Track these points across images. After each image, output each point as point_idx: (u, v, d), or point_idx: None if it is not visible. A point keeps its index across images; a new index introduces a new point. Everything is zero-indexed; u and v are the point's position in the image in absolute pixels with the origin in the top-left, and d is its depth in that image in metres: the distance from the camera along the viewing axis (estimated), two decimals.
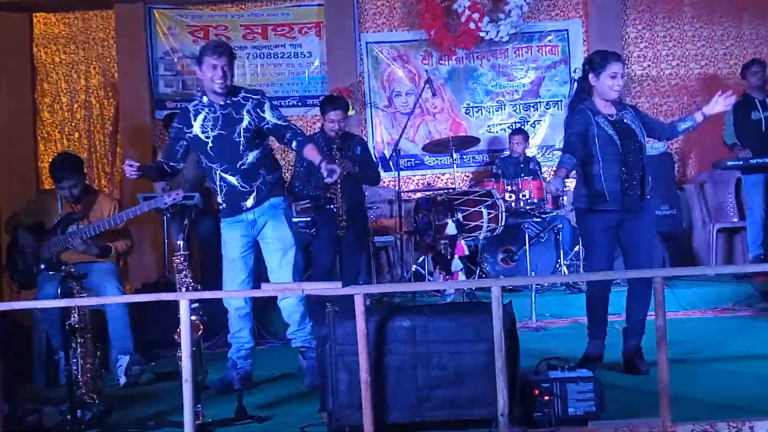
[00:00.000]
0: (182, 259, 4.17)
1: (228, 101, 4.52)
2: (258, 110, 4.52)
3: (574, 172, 4.71)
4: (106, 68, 8.89)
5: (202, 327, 4.11)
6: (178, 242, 4.24)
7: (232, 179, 4.53)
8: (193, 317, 3.92)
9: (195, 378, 3.44)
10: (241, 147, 4.50)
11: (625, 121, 4.62)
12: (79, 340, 4.27)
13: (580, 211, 4.79)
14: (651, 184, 4.68)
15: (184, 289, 4.09)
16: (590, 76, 4.64)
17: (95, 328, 4.51)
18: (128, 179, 8.25)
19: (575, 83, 8.17)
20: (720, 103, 4.78)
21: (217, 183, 4.57)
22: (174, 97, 8.73)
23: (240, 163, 4.52)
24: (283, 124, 4.60)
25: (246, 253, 4.65)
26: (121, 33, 8.65)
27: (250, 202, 4.56)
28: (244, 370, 4.68)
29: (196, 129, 4.52)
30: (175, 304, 3.45)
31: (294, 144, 4.57)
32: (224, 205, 4.63)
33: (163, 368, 5.33)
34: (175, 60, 8.74)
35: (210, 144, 4.50)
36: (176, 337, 3.61)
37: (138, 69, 8.60)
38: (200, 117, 4.53)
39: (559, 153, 8.09)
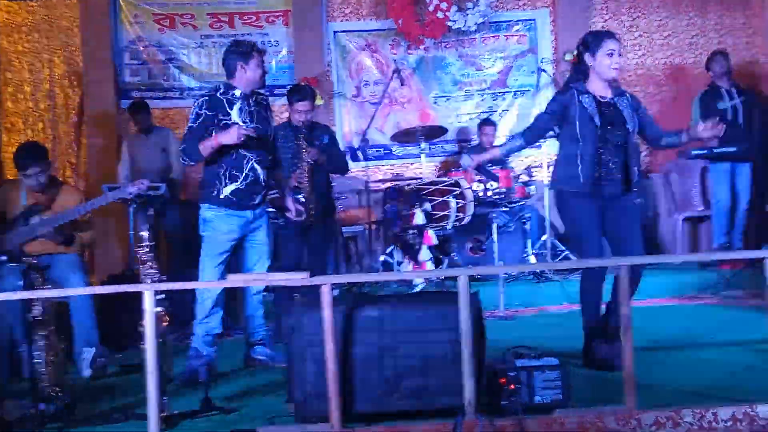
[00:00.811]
0: (147, 250, 4.12)
1: (255, 99, 4.75)
2: (269, 113, 4.90)
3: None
4: (70, 57, 8.75)
5: (167, 318, 4.08)
6: (143, 233, 4.20)
7: (261, 172, 4.70)
8: (158, 308, 3.88)
9: (160, 370, 3.40)
10: (270, 144, 4.84)
11: (617, 106, 4.48)
12: (42, 333, 4.20)
13: (558, 192, 4.72)
14: (637, 175, 4.57)
15: (148, 281, 4.04)
16: (586, 56, 4.49)
17: (59, 321, 4.44)
18: (93, 169, 8.29)
19: (542, 72, 8.27)
20: (708, 131, 4.51)
21: (244, 171, 4.63)
22: (139, 86, 8.62)
23: (270, 158, 4.80)
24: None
25: (232, 247, 4.73)
26: (85, 21, 8.50)
27: (259, 198, 4.75)
28: (209, 357, 4.66)
29: (235, 117, 4.59)
30: (140, 296, 3.40)
31: None
32: (233, 197, 4.63)
33: (128, 361, 5.27)
34: (141, 49, 8.62)
35: (250, 135, 4.55)
36: (141, 328, 3.57)
37: (103, 58, 8.46)
38: (236, 107, 4.62)
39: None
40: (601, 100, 4.48)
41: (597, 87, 4.50)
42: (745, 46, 8.89)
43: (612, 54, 4.45)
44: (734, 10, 8.96)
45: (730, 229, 7.44)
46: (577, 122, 4.43)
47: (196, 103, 4.65)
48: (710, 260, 7.16)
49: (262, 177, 4.71)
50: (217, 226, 4.65)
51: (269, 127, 4.87)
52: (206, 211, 4.69)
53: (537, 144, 8.56)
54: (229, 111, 4.59)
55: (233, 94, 4.63)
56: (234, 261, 4.82)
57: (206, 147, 4.50)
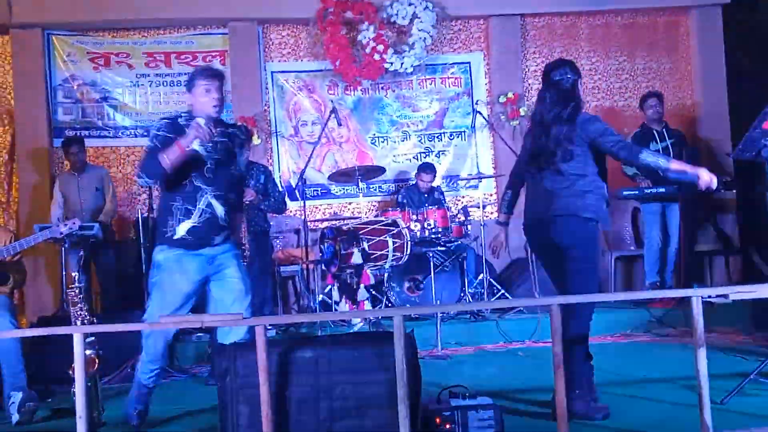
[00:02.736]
0: (78, 291, 4.05)
1: (222, 130, 4.36)
2: (239, 149, 4.46)
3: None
4: (1, 95, 8.60)
5: (97, 361, 4.00)
6: (74, 274, 4.13)
7: (219, 209, 4.23)
8: (89, 351, 3.81)
9: (90, 414, 3.33)
10: (234, 181, 4.40)
11: None
12: None
13: (592, 222, 4.29)
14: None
15: (79, 323, 3.97)
16: (578, 85, 4.36)
17: None
18: (25, 208, 8.12)
19: (477, 114, 8.39)
20: (705, 178, 4.12)
21: (199, 207, 4.18)
22: (73, 124, 8.49)
23: (230, 195, 4.35)
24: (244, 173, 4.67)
25: (195, 290, 4.24)
26: (17, 59, 8.38)
27: (220, 239, 4.27)
28: (147, 396, 4.41)
29: (195, 145, 4.13)
30: (71, 338, 3.33)
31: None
32: (188, 236, 4.17)
33: (58, 405, 5.13)
34: (75, 87, 8.52)
35: (209, 165, 4.22)
36: (71, 372, 3.49)
37: (35, 96, 8.33)
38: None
39: (463, 182, 8.24)
40: None
41: None
42: (672, 89, 9.18)
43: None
44: (662, 55, 9.27)
45: (662, 268, 7.60)
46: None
47: (155, 126, 4.30)
48: (642, 299, 7.29)
49: (220, 215, 4.24)
50: (174, 266, 4.19)
51: (235, 162, 4.39)
52: (157, 254, 4.25)
53: (474, 184, 8.72)
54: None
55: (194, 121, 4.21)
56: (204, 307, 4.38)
57: (170, 152, 4.04)
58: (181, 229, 4.17)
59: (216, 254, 4.26)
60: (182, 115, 4.33)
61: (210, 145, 4.20)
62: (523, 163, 4.52)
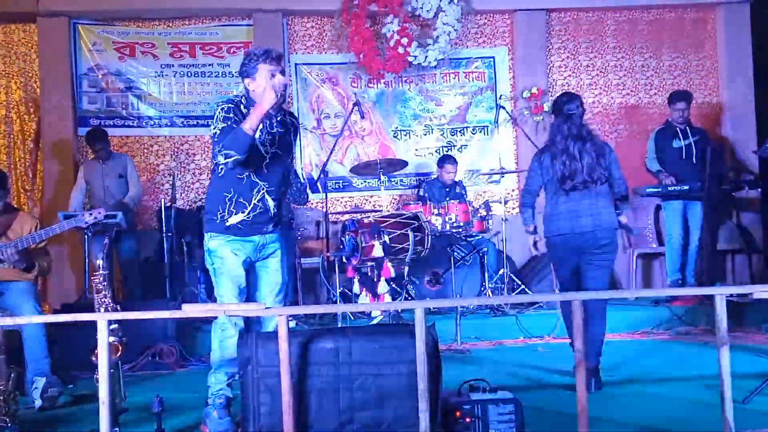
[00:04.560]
0: (102, 278, 4.08)
1: (280, 119, 4.15)
2: (295, 137, 4.28)
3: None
4: (27, 83, 8.68)
5: (120, 348, 4.03)
6: (98, 262, 4.16)
7: (271, 203, 4.12)
8: (112, 338, 3.84)
9: (112, 400, 3.36)
10: (288, 173, 4.24)
11: None
12: None
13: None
14: None
15: (102, 310, 4.00)
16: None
17: (10, 349, 4.37)
18: (49, 196, 8.19)
19: (501, 109, 8.36)
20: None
21: (253, 201, 4.07)
22: (98, 114, 8.55)
23: (283, 189, 4.24)
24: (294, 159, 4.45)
25: (245, 272, 4.17)
26: (43, 48, 8.46)
27: (270, 227, 4.17)
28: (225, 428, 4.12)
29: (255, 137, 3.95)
30: (94, 325, 3.36)
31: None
32: (240, 225, 4.08)
33: (80, 391, 5.19)
34: (100, 77, 8.57)
35: (267, 160, 4.07)
36: (94, 358, 3.52)
37: (61, 85, 8.41)
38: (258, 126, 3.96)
39: (485, 176, 8.28)
40: None
41: None
42: (697, 86, 9.11)
43: None
44: (687, 52, 9.20)
45: (684, 265, 7.55)
46: None
47: (220, 107, 4.02)
48: (663, 296, 7.26)
49: (272, 209, 4.13)
50: (225, 256, 4.11)
51: (291, 154, 4.25)
52: (210, 241, 4.16)
53: (496, 179, 8.73)
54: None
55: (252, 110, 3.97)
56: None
57: (252, 120, 3.81)
58: (233, 220, 4.08)
59: (266, 243, 4.20)
60: (240, 100, 4.11)
61: (267, 138, 4.06)
62: (545, 183, 5.08)
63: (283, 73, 4.05)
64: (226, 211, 4.07)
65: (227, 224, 4.08)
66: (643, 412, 4.19)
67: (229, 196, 4.07)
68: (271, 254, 4.24)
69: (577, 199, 4.93)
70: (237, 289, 4.10)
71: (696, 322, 6.85)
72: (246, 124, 3.81)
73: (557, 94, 5.59)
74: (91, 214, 5.04)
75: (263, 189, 4.08)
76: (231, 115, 3.97)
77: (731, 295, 3.50)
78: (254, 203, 4.08)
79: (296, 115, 4.63)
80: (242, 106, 4.04)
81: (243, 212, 4.07)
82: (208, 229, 4.16)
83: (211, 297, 4.59)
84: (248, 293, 4.24)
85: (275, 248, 4.24)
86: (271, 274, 4.25)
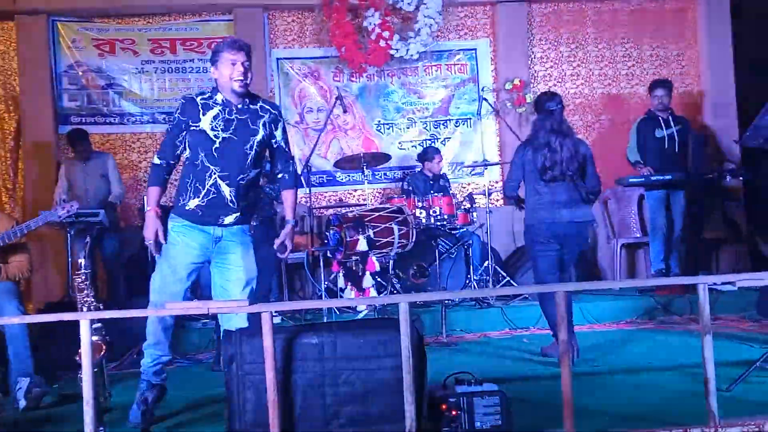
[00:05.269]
0: (84, 278, 4.06)
1: (245, 106, 4.20)
2: (272, 125, 4.27)
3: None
4: (6, 81, 8.60)
5: (104, 347, 4.02)
6: (80, 260, 4.13)
7: (226, 190, 4.15)
8: (95, 337, 3.82)
9: (97, 400, 3.34)
10: (249, 160, 4.19)
11: None
12: None
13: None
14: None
15: (85, 309, 3.98)
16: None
17: None
18: (31, 194, 8.13)
19: (483, 100, 8.37)
20: None
21: (206, 186, 4.13)
22: (79, 111, 8.50)
23: (241, 176, 4.18)
24: (287, 150, 4.37)
25: (196, 265, 4.23)
26: (22, 45, 8.38)
27: (229, 220, 4.20)
28: (159, 386, 4.34)
29: (205, 124, 4.11)
30: (77, 324, 3.34)
31: (281, 175, 4.39)
32: (197, 210, 4.16)
33: (65, 390, 5.15)
34: (80, 74, 8.51)
35: (217, 145, 4.12)
36: (77, 358, 3.50)
37: (41, 82, 8.33)
38: (211, 113, 4.13)
39: (468, 169, 8.31)
40: None
41: None
42: (679, 76, 9.15)
43: None
44: (668, 41, 9.24)
45: (667, 255, 7.58)
46: None
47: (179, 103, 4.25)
48: (648, 286, 7.28)
49: (227, 196, 4.15)
50: (177, 237, 4.19)
51: (252, 140, 4.19)
52: (170, 221, 4.25)
53: (479, 171, 8.74)
54: (201, 117, 4.12)
55: (215, 99, 4.18)
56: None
57: (148, 200, 4.24)
58: (191, 205, 4.16)
59: (222, 236, 4.22)
60: (206, 92, 4.25)
61: (221, 124, 4.13)
62: (526, 174, 5.36)
63: (247, 62, 4.14)
64: (186, 196, 4.18)
65: (186, 208, 4.18)
66: (628, 400, 4.21)
67: (189, 181, 4.19)
68: (230, 252, 4.24)
69: (556, 190, 5.25)
70: (173, 277, 4.16)
71: (680, 311, 6.87)
72: (147, 192, 4.25)
73: (539, 93, 5.95)
74: (63, 208, 5.00)
75: (215, 174, 4.14)
76: (177, 114, 4.20)
77: (714, 284, 3.52)
78: (207, 188, 4.14)
79: (276, 104, 4.57)
80: (202, 98, 4.19)
81: (198, 197, 4.15)
82: (172, 211, 4.27)
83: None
84: (212, 292, 4.30)
85: (234, 245, 4.25)
86: (232, 271, 4.25)
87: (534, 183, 5.31)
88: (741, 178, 8.11)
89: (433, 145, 8.61)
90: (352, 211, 6.90)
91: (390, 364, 3.45)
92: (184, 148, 4.21)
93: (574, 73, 9.18)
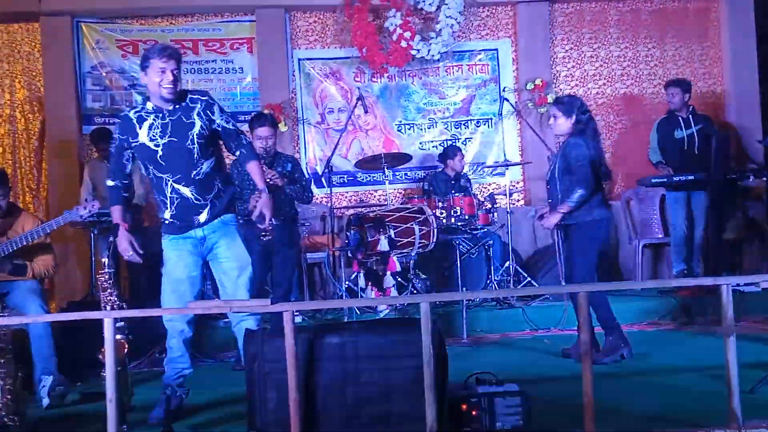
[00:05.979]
0: (107, 277, 4.10)
1: (176, 106, 4.22)
2: (208, 112, 4.27)
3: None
4: (31, 82, 8.68)
5: (127, 346, 4.05)
6: (104, 260, 4.17)
7: (186, 190, 4.22)
8: (119, 336, 3.86)
9: (120, 398, 3.37)
10: (195, 155, 4.21)
11: None
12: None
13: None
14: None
15: (108, 308, 4.01)
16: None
17: (17, 348, 4.38)
18: (54, 195, 8.20)
19: (505, 101, 8.34)
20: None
21: (168, 195, 4.22)
22: (102, 112, 8.56)
23: (194, 172, 4.22)
24: (231, 128, 4.36)
25: (194, 275, 4.31)
26: (47, 46, 8.45)
27: (203, 217, 4.26)
28: (179, 399, 4.39)
29: (143, 137, 4.18)
30: (101, 323, 3.37)
31: (238, 153, 4.39)
32: (173, 220, 4.27)
33: (88, 389, 5.20)
34: (104, 74, 8.58)
35: (160, 153, 4.17)
36: (101, 356, 3.53)
37: (65, 83, 8.40)
38: (146, 124, 4.19)
39: (489, 169, 8.32)
40: None
41: None
42: (702, 76, 9.10)
43: None
44: (691, 41, 9.18)
45: (689, 255, 7.53)
46: None
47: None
48: (669, 286, 7.24)
49: (191, 194, 4.23)
50: (169, 254, 4.32)
51: (189, 135, 4.21)
52: (162, 239, 4.38)
53: (501, 172, 8.73)
54: (138, 131, 4.20)
55: (146, 108, 4.24)
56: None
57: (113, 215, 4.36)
58: (167, 217, 4.29)
59: (205, 235, 4.32)
60: (137, 104, 4.38)
61: (158, 131, 4.19)
62: (594, 166, 5.37)
63: (176, 70, 4.17)
64: (161, 210, 4.34)
65: (166, 223, 4.31)
66: (650, 402, 4.19)
67: (156, 195, 4.34)
68: (217, 246, 4.34)
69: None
70: (177, 293, 4.24)
71: (702, 312, 6.82)
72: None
73: (566, 95, 6.41)
74: (85, 208, 5.05)
75: (169, 180, 4.22)
76: (117, 134, 4.31)
77: (738, 285, 3.49)
78: (170, 196, 4.24)
79: (205, 91, 4.63)
80: (133, 112, 4.26)
81: (167, 207, 4.26)
82: (161, 230, 4.40)
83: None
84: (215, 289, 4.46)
85: (218, 238, 4.34)
86: (224, 262, 4.36)
87: (596, 180, 5.36)
88: (764, 179, 8.03)
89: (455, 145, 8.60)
90: (373, 211, 6.91)
91: (411, 364, 3.45)
92: (133, 164, 4.35)
93: (596, 74, 9.14)
